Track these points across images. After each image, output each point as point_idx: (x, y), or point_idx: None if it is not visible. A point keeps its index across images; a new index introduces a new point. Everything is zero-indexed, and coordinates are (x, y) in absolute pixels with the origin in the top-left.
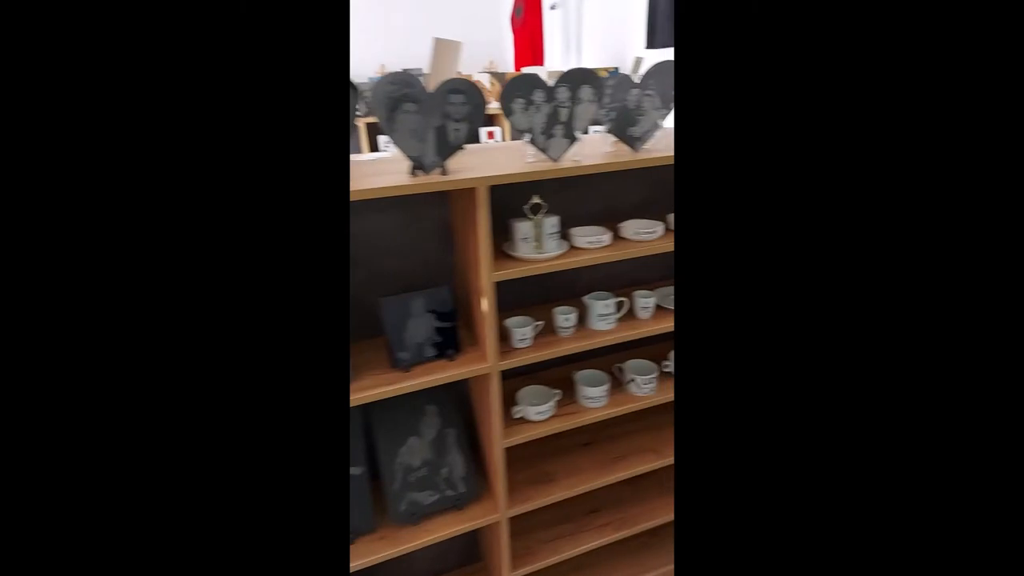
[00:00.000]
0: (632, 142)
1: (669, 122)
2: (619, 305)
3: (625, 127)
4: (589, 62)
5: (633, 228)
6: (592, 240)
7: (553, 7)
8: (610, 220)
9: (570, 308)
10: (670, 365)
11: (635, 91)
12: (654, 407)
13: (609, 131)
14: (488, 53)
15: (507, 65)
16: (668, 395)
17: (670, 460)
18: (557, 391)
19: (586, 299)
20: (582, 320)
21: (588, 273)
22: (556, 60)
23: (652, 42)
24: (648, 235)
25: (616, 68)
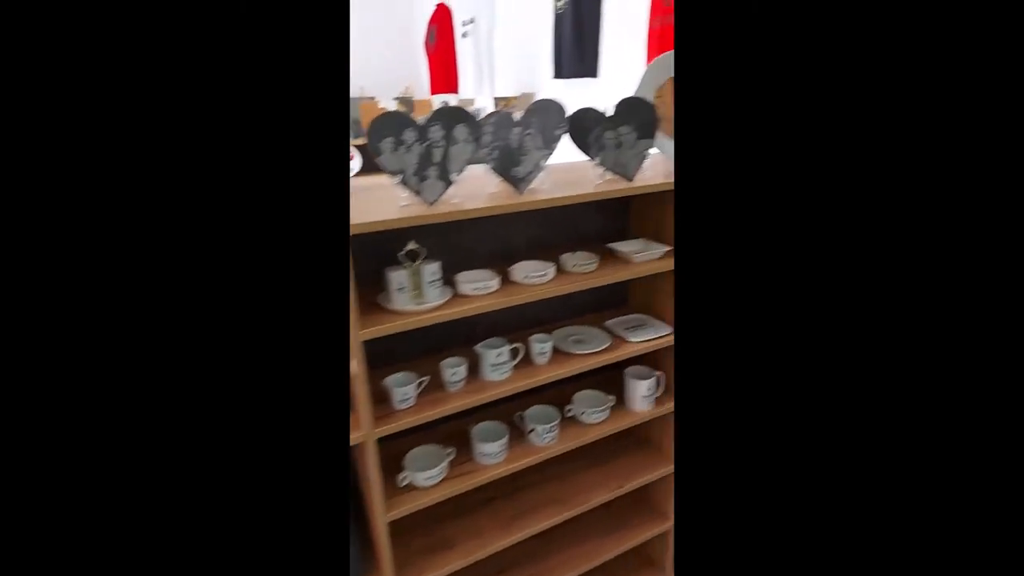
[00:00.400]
0: (516, 183)
1: (552, 160)
2: (514, 352)
3: (508, 167)
4: (503, 90)
5: (523, 271)
6: (478, 287)
7: (464, 35)
8: (502, 262)
9: (459, 360)
10: (573, 409)
11: (516, 130)
12: (558, 456)
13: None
14: (405, 78)
15: (424, 91)
16: (571, 443)
17: (578, 511)
18: (451, 449)
19: (478, 348)
20: (475, 370)
21: (484, 317)
22: (470, 87)
23: (559, 72)
24: (539, 278)
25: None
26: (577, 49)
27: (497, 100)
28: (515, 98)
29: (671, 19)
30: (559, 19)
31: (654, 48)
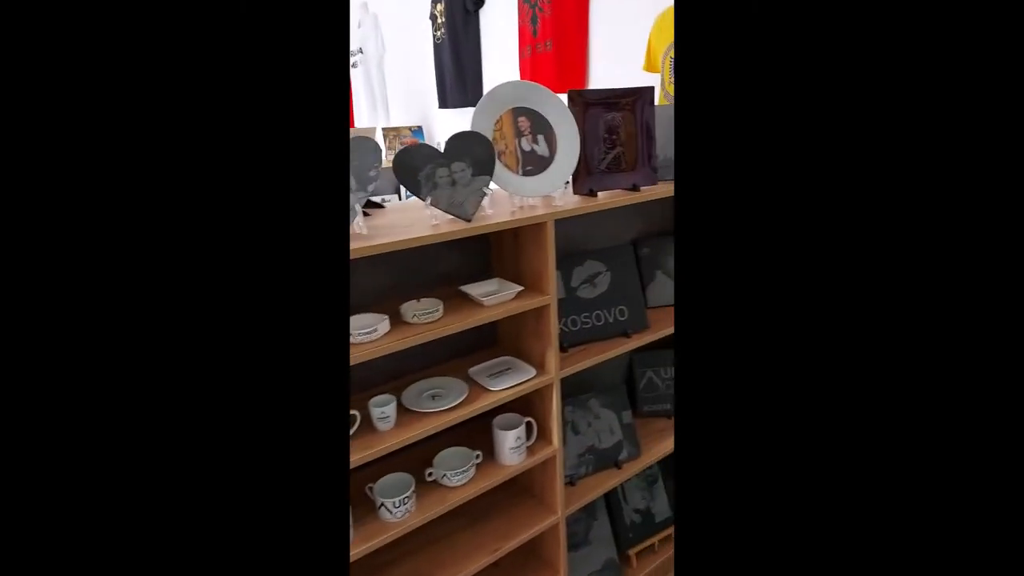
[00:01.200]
0: None
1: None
2: (350, 420)
3: None
4: (397, 120)
5: (351, 328)
6: None
7: (354, 65)
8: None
9: None
10: (434, 472)
11: None
12: (419, 527)
13: None
14: None
15: None
16: (431, 512)
17: None
18: None
19: None
20: None
21: None
22: (365, 118)
23: (444, 102)
24: (366, 336)
25: (420, 127)
26: (459, 79)
27: (386, 131)
28: (407, 128)
29: (541, 48)
30: (438, 49)
31: (526, 76)
